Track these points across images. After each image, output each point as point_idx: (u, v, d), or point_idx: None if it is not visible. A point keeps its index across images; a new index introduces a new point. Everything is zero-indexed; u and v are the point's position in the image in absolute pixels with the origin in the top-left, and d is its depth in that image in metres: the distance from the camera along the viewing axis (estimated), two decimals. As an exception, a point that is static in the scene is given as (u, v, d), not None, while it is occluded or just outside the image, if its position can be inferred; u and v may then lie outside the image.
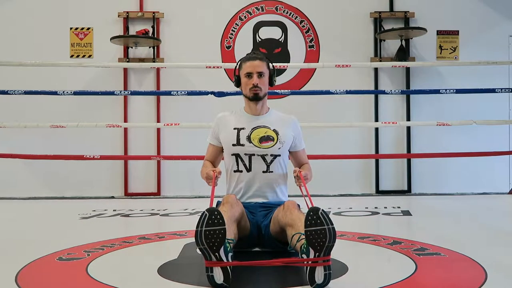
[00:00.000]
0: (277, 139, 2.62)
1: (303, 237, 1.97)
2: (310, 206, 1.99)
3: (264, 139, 2.61)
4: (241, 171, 2.59)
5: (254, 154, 2.59)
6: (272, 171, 2.59)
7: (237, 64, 2.72)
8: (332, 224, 1.89)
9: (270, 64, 2.69)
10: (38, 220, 4.05)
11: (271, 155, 2.59)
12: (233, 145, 2.60)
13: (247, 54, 2.74)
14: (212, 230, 1.91)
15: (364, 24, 5.91)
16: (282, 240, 2.37)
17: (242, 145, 2.59)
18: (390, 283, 1.90)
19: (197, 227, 1.92)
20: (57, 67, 5.50)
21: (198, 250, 1.97)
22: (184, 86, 5.60)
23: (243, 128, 2.63)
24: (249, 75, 2.62)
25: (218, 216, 1.93)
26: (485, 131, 5.67)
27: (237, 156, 2.60)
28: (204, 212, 1.94)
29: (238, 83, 2.72)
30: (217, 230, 1.91)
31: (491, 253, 2.47)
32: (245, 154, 2.59)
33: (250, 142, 2.60)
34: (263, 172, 2.58)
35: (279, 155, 2.61)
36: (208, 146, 2.75)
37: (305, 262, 1.90)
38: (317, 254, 1.88)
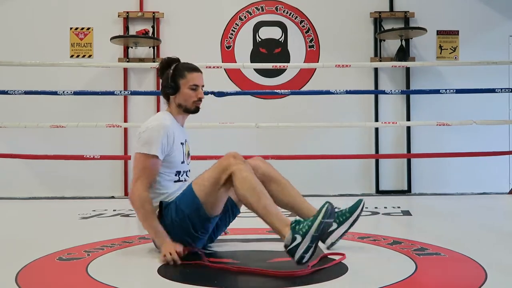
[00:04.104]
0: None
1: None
2: None
3: (189, 154, 2.60)
4: (182, 181, 2.51)
5: (188, 171, 2.58)
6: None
7: (173, 70, 2.49)
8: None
9: None
10: (38, 220, 4.04)
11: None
12: (182, 162, 2.51)
13: (184, 63, 2.55)
14: (328, 223, 2.13)
15: (364, 24, 5.91)
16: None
17: (183, 162, 2.53)
18: (390, 283, 1.90)
19: (323, 218, 2.09)
20: (57, 67, 5.50)
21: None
22: (184, 86, 5.60)
23: (183, 143, 2.55)
24: (196, 87, 2.51)
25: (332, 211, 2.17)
26: (485, 131, 5.67)
27: (178, 173, 2.51)
28: (327, 203, 2.13)
29: (175, 90, 2.50)
30: (329, 223, 2.16)
31: (491, 253, 2.47)
32: (183, 171, 2.54)
33: (188, 158, 2.57)
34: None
35: None
36: (151, 160, 2.36)
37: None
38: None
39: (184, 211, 2.34)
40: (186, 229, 2.35)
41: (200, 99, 2.54)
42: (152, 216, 2.34)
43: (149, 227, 2.34)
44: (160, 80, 2.60)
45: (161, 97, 2.66)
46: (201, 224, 2.36)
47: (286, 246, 2.12)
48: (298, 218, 2.25)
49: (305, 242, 2.07)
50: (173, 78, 2.49)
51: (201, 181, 2.34)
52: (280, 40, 5.97)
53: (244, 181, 2.24)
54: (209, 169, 2.37)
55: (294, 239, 2.08)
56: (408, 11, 5.84)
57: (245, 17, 5.96)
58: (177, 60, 2.58)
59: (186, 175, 2.56)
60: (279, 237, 2.43)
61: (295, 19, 5.96)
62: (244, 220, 3.49)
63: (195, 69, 2.54)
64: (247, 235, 2.91)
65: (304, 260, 2.07)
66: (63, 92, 5.09)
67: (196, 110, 2.56)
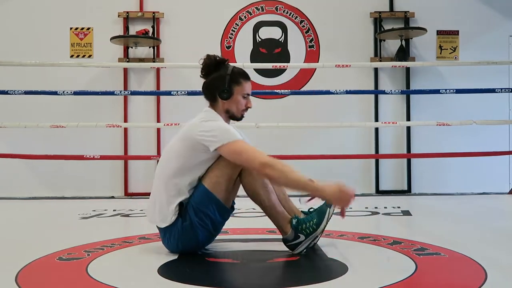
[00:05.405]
0: None
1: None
2: None
3: None
4: None
5: None
6: None
7: (232, 76, 2.45)
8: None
9: None
10: (38, 220, 4.04)
11: None
12: None
13: (239, 69, 2.51)
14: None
15: (364, 24, 5.91)
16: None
17: None
18: (390, 283, 1.90)
19: (327, 221, 2.38)
20: (57, 67, 5.50)
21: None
22: (184, 86, 5.60)
23: None
24: (247, 96, 2.50)
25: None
26: (485, 131, 5.67)
27: None
28: (329, 208, 2.37)
29: (229, 96, 2.45)
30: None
31: (491, 253, 2.47)
32: None
33: None
34: None
35: None
36: (242, 142, 2.33)
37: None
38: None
39: (203, 211, 2.34)
40: (206, 228, 2.37)
41: (248, 108, 2.51)
42: (294, 172, 2.20)
43: (297, 184, 2.20)
44: (204, 78, 2.51)
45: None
46: (222, 219, 2.42)
47: (286, 241, 2.37)
48: (296, 215, 2.43)
49: (308, 240, 2.34)
50: (229, 83, 2.45)
51: (215, 179, 2.34)
52: (280, 40, 5.97)
53: (257, 177, 2.32)
54: (217, 164, 2.36)
55: (297, 237, 2.31)
56: (408, 11, 5.84)
57: (245, 17, 5.96)
58: (225, 60, 2.51)
59: None
60: (278, 237, 2.45)
61: (295, 19, 5.96)
62: (244, 220, 3.50)
63: (248, 77, 2.51)
64: (247, 235, 2.91)
65: (302, 252, 2.35)
66: (63, 92, 5.09)
67: (241, 118, 2.52)
